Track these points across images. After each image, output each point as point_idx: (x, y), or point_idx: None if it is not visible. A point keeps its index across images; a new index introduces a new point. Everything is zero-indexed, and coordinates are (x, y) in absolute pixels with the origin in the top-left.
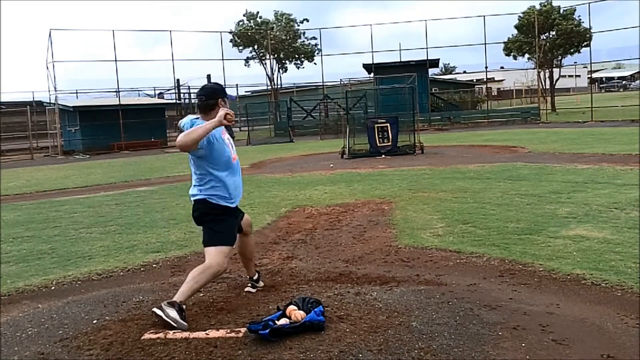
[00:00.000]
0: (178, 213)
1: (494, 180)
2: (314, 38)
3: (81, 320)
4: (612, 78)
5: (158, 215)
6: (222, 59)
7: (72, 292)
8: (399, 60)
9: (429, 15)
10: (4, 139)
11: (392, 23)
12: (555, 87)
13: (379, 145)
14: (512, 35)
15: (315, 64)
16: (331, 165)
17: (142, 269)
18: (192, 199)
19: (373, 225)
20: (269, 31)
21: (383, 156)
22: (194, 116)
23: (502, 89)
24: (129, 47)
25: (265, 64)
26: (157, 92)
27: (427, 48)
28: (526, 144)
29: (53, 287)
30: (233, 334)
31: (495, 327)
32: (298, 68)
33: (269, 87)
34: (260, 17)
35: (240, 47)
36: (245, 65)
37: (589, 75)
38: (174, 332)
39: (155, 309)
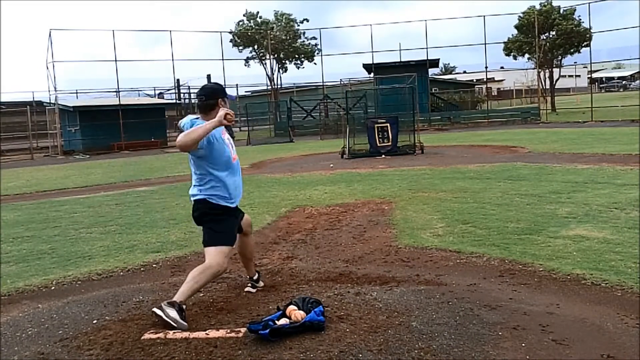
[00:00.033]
0: (178, 213)
1: (494, 180)
2: (314, 38)
3: (81, 320)
4: (612, 78)
5: (158, 215)
6: (222, 59)
7: (72, 292)
8: (399, 60)
9: (429, 15)
10: (4, 139)
11: (392, 23)
12: (555, 87)
13: (379, 145)
14: (512, 35)
15: (315, 64)
16: (331, 165)
17: (142, 269)
18: (192, 199)
19: (373, 225)
20: (269, 31)
21: (383, 156)
22: (194, 116)
23: (502, 89)
24: (129, 47)
25: (265, 64)
26: (157, 92)
27: (427, 48)
28: (526, 144)
29: (53, 287)
30: (233, 334)
31: (495, 327)
32: (298, 68)
33: (269, 87)
34: (260, 17)
35: (240, 47)
36: (245, 65)
37: (589, 75)
38: (174, 332)
39: (155, 309)
